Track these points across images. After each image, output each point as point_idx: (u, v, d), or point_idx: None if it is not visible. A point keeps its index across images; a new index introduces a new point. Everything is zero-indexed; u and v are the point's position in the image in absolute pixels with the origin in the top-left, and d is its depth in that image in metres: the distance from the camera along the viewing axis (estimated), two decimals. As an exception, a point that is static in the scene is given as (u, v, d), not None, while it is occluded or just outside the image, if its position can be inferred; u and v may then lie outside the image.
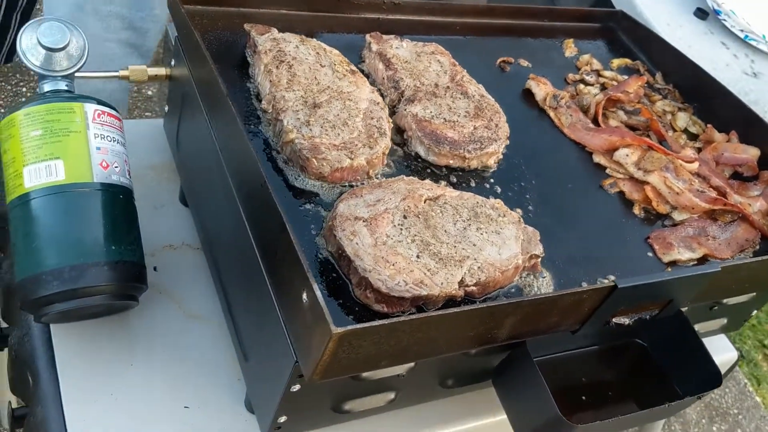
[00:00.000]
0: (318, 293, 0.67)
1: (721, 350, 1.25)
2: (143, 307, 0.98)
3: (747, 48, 1.90)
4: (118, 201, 0.91)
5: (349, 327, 0.66)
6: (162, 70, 1.11)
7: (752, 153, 1.19)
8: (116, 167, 0.92)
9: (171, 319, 1.00)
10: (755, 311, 1.20)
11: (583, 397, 0.97)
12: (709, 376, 0.95)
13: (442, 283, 0.81)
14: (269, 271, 0.79)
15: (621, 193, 1.08)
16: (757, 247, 1.07)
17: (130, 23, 1.70)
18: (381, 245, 0.82)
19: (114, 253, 0.87)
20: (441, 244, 0.85)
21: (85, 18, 1.63)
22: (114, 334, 0.96)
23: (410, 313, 0.80)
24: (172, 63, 1.09)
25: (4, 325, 1.06)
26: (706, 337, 1.18)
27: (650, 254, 1.01)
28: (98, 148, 0.91)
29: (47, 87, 0.95)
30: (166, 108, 1.15)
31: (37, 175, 0.87)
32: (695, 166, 1.11)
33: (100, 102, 0.94)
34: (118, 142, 0.94)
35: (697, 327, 1.11)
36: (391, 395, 0.90)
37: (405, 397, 0.92)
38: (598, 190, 1.08)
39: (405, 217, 0.86)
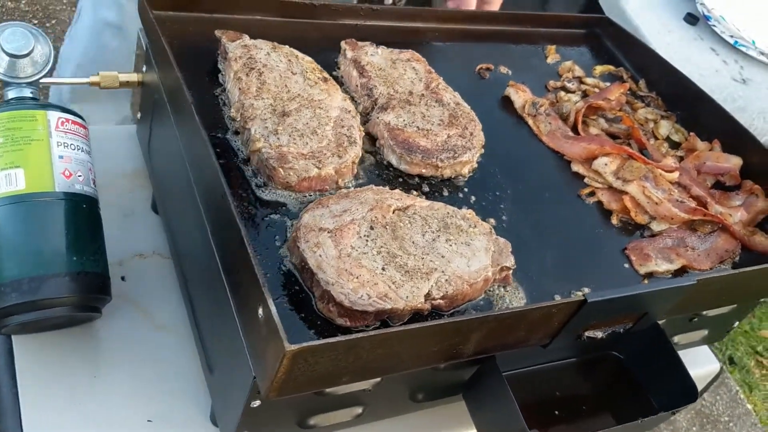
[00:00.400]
0: (272, 308, 0.65)
1: (703, 362, 1.23)
2: (110, 317, 0.96)
3: (737, 54, 1.88)
4: (81, 210, 0.89)
5: (304, 344, 0.64)
6: (134, 76, 1.09)
7: (734, 162, 1.17)
8: (80, 176, 0.90)
9: (138, 329, 0.99)
10: (737, 323, 1.18)
11: (557, 412, 0.95)
12: (685, 390, 0.93)
13: (407, 297, 0.79)
14: (230, 284, 0.77)
15: (599, 202, 1.07)
16: (737, 258, 1.06)
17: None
18: (345, 257, 0.80)
19: (75, 264, 0.85)
20: (408, 256, 0.83)
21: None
22: (78, 345, 0.94)
23: (372, 329, 0.78)
24: (144, 69, 1.07)
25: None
26: (687, 348, 1.17)
27: (627, 266, 0.99)
28: (61, 157, 0.89)
29: (11, 94, 0.94)
30: (139, 115, 1.14)
31: (-4, 183, 0.85)
32: (675, 175, 1.09)
33: (64, 109, 0.92)
34: (82, 150, 0.92)
35: (676, 338, 1.10)
36: (359, 410, 0.88)
37: (373, 411, 0.90)
38: (575, 199, 1.07)
39: (372, 228, 0.84)
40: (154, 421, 0.90)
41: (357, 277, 0.78)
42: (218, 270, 0.80)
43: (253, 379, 0.73)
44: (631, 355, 1.00)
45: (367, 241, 0.82)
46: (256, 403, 0.77)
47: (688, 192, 1.10)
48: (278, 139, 0.89)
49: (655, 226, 1.04)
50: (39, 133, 0.88)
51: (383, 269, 0.80)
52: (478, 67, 1.23)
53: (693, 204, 1.06)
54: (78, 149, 0.91)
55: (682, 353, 0.98)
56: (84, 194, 0.90)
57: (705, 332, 1.13)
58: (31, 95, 0.95)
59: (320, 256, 0.79)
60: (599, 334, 0.89)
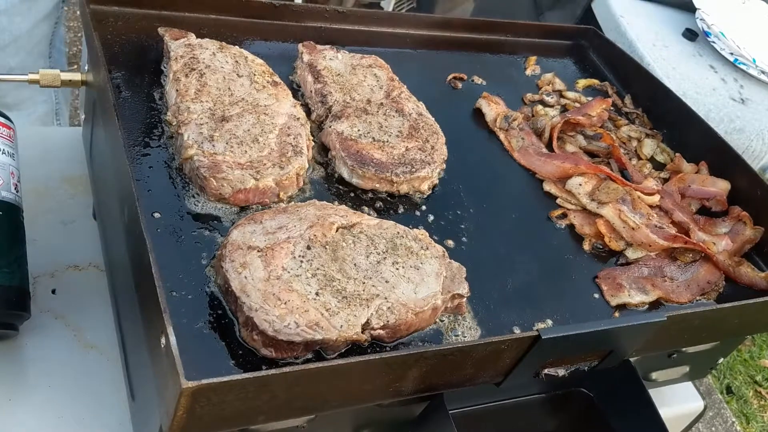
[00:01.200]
0: (172, 338, 0.58)
1: (685, 399, 1.14)
2: (34, 333, 0.89)
3: (736, 72, 1.79)
4: (-2, 218, 0.82)
5: (204, 381, 0.56)
6: (77, 75, 1.02)
7: (722, 186, 1.08)
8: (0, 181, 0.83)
9: (64, 348, 0.91)
10: (722, 359, 1.09)
11: (514, 455, 0.87)
12: (655, 435, 0.84)
13: (341, 326, 0.71)
14: (141, 308, 0.69)
15: (570, 226, 0.98)
16: (721, 290, 0.97)
17: None
18: (274, 280, 0.72)
19: (-16, 277, 0.78)
20: (347, 280, 0.75)
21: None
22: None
23: (301, 361, 0.70)
24: (86, 68, 1.00)
25: None
26: (668, 385, 1.08)
27: (597, 296, 0.91)
28: (-24, 159, 0.82)
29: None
30: (82, 116, 1.06)
31: None
32: (656, 199, 1.01)
33: (-15, 109, 0.85)
34: (6, 154, 0.85)
35: (654, 375, 1.02)
36: (294, 448, 0.80)
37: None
38: (545, 221, 0.98)
39: (309, 247, 0.76)
40: (68, 452, 0.82)
41: (285, 303, 0.70)
42: (134, 295, 0.73)
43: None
44: (601, 392, 0.92)
45: (302, 262, 0.74)
46: (166, 438, 0.69)
47: (669, 217, 1.02)
48: (213, 146, 0.82)
49: (631, 254, 0.96)
50: (-47, 134, 0.81)
51: (317, 294, 0.72)
52: (450, 76, 1.15)
53: (674, 231, 0.98)
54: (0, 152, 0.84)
55: (663, 390, 0.90)
56: (2, 200, 0.82)
57: (686, 369, 1.05)
58: (-47, 92, 0.87)
59: (245, 277, 0.71)
60: (561, 372, 0.81)
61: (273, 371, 0.59)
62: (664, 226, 0.97)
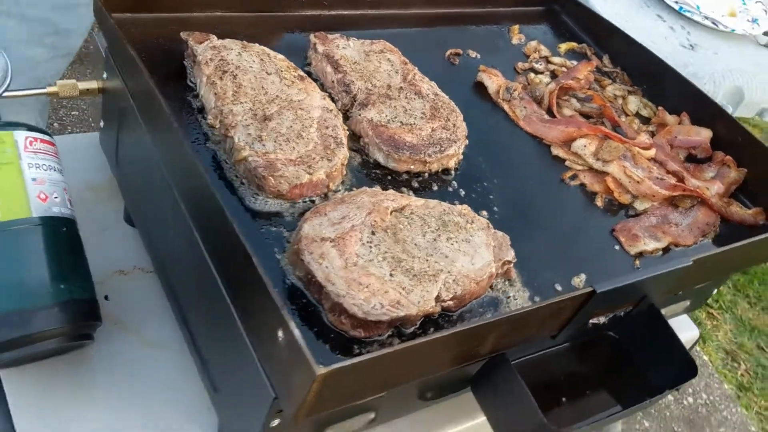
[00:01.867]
0: (296, 332, 0.63)
1: (685, 329, 1.26)
2: (98, 340, 0.92)
3: (683, 20, 1.91)
4: (61, 234, 0.84)
5: (334, 366, 0.62)
6: (93, 84, 1.04)
7: (705, 135, 1.19)
8: (56, 197, 0.85)
9: (129, 350, 0.94)
10: (715, 290, 1.21)
11: (563, 398, 0.96)
12: (684, 367, 0.95)
13: (418, 302, 0.77)
14: (236, 304, 0.74)
15: (582, 185, 1.07)
16: (718, 230, 1.08)
17: (50, 24, 1.59)
18: (352, 266, 0.78)
19: (63, 292, 0.81)
20: (413, 259, 0.81)
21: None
22: (71, 373, 0.90)
23: (386, 337, 0.76)
24: (105, 76, 1.02)
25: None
26: (670, 319, 1.19)
27: (617, 247, 1.00)
28: (34, 179, 0.84)
29: (-30, 114, 0.88)
30: (102, 123, 1.08)
31: (-32, 215, 0.80)
32: (652, 152, 1.10)
33: (30, 128, 0.87)
34: (55, 170, 0.87)
35: (663, 311, 1.12)
36: (371, 415, 0.87)
37: (384, 414, 0.89)
38: (559, 183, 1.07)
39: (373, 233, 0.82)
40: (158, 446, 0.87)
41: (367, 287, 0.76)
42: (218, 290, 0.77)
43: (272, 399, 0.71)
44: (628, 335, 1.01)
45: (370, 247, 0.80)
46: (275, 422, 0.75)
47: (665, 168, 1.11)
48: (263, 146, 0.86)
49: (639, 205, 1.06)
50: (7, 156, 0.83)
51: (391, 275, 0.78)
52: (448, 52, 1.21)
53: (673, 180, 1.07)
54: (50, 169, 0.86)
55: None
56: (62, 216, 0.85)
57: (687, 303, 1.16)
58: (-9, 115, 0.89)
59: (327, 267, 0.77)
60: (602, 320, 0.90)
61: (388, 350, 0.65)
62: (664, 177, 1.07)
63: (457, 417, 0.99)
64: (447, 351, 0.73)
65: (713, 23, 1.96)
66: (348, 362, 0.63)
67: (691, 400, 2.84)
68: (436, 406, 0.97)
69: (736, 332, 3.32)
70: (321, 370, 0.61)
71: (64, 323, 0.81)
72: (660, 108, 1.24)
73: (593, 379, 1.00)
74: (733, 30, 1.98)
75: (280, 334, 0.65)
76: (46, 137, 0.88)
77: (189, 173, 0.77)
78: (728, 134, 1.18)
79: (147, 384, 0.91)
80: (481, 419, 0.96)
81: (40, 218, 0.82)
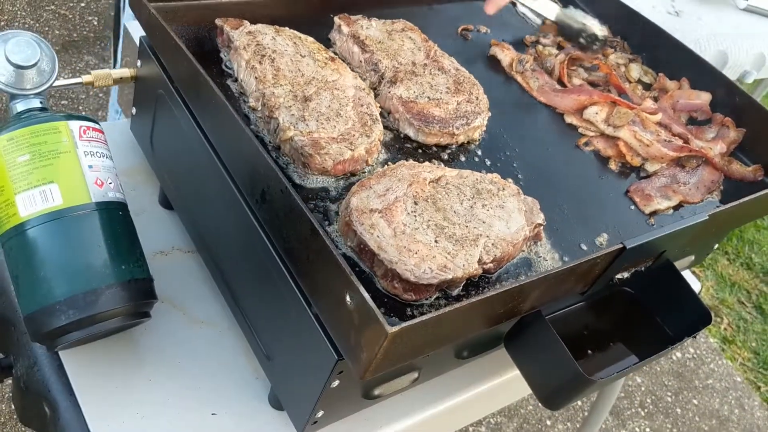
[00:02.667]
0: (366, 295, 0.68)
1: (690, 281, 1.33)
2: (149, 319, 0.97)
3: (666, -13, 1.98)
4: (118, 218, 0.88)
5: (404, 324, 0.67)
6: (127, 72, 1.07)
7: (705, 98, 1.26)
8: (110, 183, 0.89)
9: (178, 327, 0.99)
10: (717, 245, 1.28)
11: (588, 350, 1.03)
12: (699, 314, 1.02)
13: (463, 265, 0.83)
14: (299, 274, 0.79)
15: (596, 150, 1.13)
16: (721, 187, 1.15)
17: None
18: (400, 234, 0.83)
19: (125, 273, 0.85)
20: (454, 226, 0.87)
21: None
22: (125, 351, 0.95)
23: (434, 299, 0.82)
24: (139, 64, 1.05)
25: (0, 355, 1.02)
26: (676, 273, 1.27)
27: (632, 207, 1.06)
28: (90, 167, 0.87)
29: (20, 107, 0.91)
30: (134, 110, 1.11)
31: (32, 202, 0.83)
32: (659, 117, 1.17)
33: (82, 117, 0.90)
34: (107, 157, 0.91)
35: (673, 266, 1.19)
36: (415, 374, 0.93)
37: (426, 373, 0.95)
38: (574, 149, 1.13)
39: (416, 203, 0.87)
40: (218, 414, 0.92)
41: (416, 253, 0.82)
42: (274, 262, 0.82)
43: (336, 361, 0.77)
44: (644, 289, 1.08)
45: (415, 216, 0.86)
46: (335, 383, 0.80)
47: (670, 131, 1.18)
48: (307, 125, 0.91)
49: (649, 167, 1.12)
50: (65, 145, 0.86)
51: (436, 241, 0.84)
52: (460, 28, 1.26)
53: (679, 142, 1.14)
54: (103, 156, 0.90)
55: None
56: (117, 201, 0.89)
57: (692, 257, 1.23)
58: (40, 105, 0.92)
59: (378, 237, 0.82)
60: (626, 275, 0.96)
61: (449, 308, 0.71)
62: (671, 140, 1.14)
63: (485, 374, 1.06)
64: (497, 308, 0.79)
65: (696, -11, 2.03)
66: (417, 320, 0.69)
67: (679, 354, 2.95)
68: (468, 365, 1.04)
69: (717, 288, 3.45)
70: (392, 328, 0.67)
71: (128, 302, 0.85)
72: (660, 74, 1.30)
73: (614, 332, 1.07)
74: (715, -5, 2.05)
75: (348, 299, 0.70)
76: (96, 125, 0.91)
77: (249, 157, 0.82)
78: (726, 96, 1.25)
79: (197, 358, 0.96)
80: (506, 377, 1.03)
81: (99, 203, 0.86)
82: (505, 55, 1.21)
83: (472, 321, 0.79)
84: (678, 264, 1.20)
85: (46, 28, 3.32)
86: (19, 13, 3.33)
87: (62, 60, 2.93)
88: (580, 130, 1.15)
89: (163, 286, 1.02)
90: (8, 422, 2.03)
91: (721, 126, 1.23)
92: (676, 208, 1.09)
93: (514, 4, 1.34)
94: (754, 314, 3.37)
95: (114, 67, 1.65)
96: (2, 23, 3.23)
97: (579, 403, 2.66)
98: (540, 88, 1.18)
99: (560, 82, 1.21)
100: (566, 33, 1.31)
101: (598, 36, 1.30)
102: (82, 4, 3.56)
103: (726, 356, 3.13)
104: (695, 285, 1.36)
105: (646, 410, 2.76)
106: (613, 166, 1.12)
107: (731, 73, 2.00)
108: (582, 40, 1.30)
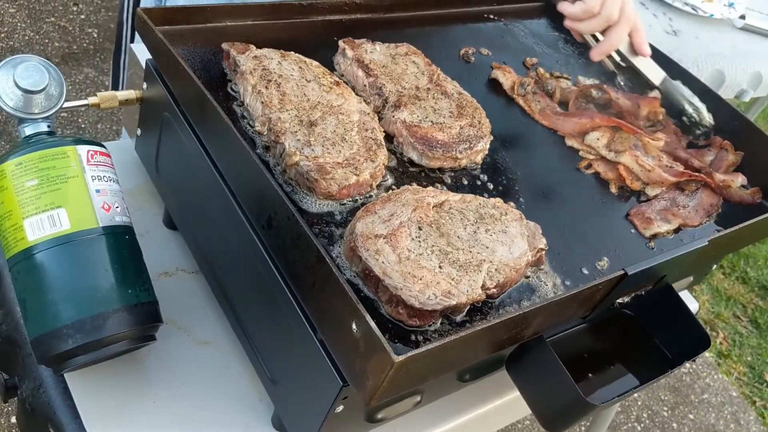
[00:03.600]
0: (372, 324, 0.69)
1: (688, 301, 1.34)
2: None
3: (664, 6, 1.99)
4: (125, 242, 0.89)
5: (410, 353, 0.68)
6: (132, 94, 1.08)
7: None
8: (117, 207, 0.90)
9: (182, 348, 1.00)
10: (714, 266, 1.29)
11: (589, 373, 1.04)
12: (698, 339, 1.03)
13: (467, 291, 0.84)
14: (304, 300, 0.80)
15: (596, 173, 1.14)
16: (719, 210, 1.16)
17: None
18: (405, 260, 0.84)
19: (131, 297, 0.86)
20: (458, 251, 0.88)
21: None
22: (130, 373, 0.95)
23: (438, 325, 0.83)
24: (144, 87, 1.06)
25: (5, 375, 1.02)
26: (675, 294, 1.28)
27: (632, 230, 1.07)
28: (98, 191, 0.88)
29: (29, 131, 0.92)
30: (139, 131, 1.12)
31: (40, 226, 0.84)
32: (662, 143, 1.18)
33: (89, 141, 0.91)
34: (114, 181, 0.92)
35: (671, 288, 1.20)
36: (418, 398, 0.94)
37: (428, 397, 0.96)
38: (575, 172, 1.14)
39: (420, 228, 0.88)
40: (222, 436, 0.93)
41: (420, 279, 0.83)
42: (280, 287, 0.83)
43: (340, 387, 0.77)
44: (644, 312, 1.09)
45: (419, 241, 0.87)
46: (340, 408, 0.81)
47: (672, 155, 1.19)
48: (312, 150, 0.92)
49: (650, 191, 1.13)
50: (73, 170, 0.87)
51: (440, 267, 0.85)
52: (462, 51, 1.27)
53: (681, 168, 1.15)
54: (110, 180, 0.91)
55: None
56: (124, 225, 0.90)
57: (691, 279, 1.24)
58: (48, 129, 0.93)
59: (383, 262, 0.83)
60: (626, 299, 0.97)
61: (454, 336, 0.72)
62: (672, 165, 1.15)
63: (485, 396, 1.07)
64: (501, 334, 0.80)
65: (693, 9, 2.05)
66: (423, 349, 0.69)
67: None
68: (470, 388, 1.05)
69: (713, 302, 3.46)
70: (399, 357, 0.68)
71: (134, 325, 0.86)
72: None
73: (614, 353, 1.08)
74: (712, 15, 2.07)
75: (354, 326, 0.71)
76: (103, 149, 0.92)
77: (256, 182, 0.83)
78: (728, 120, 1.26)
79: (201, 379, 0.97)
80: (507, 398, 1.04)
81: (105, 228, 0.87)
82: (507, 78, 1.22)
83: (477, 348, 0.80)
84: (677, 285, 1.21)
85: (46, 40, 3.33)
86: (19, 24, 3.35)
87: (62, 72, 2.94)
88: (581, 153, 1.16)
89: (167, 306, 1.03)
90: (6, 436, 2.03)
91: (719, 149, 1.24)
92: (676, 231, 1.10)
93: (619, 53, 1.35)
94: (749, 328, 3.39)
95: (115, 82, 1.66)
96: (2, 35, 3.24)
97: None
98: (542, 111, 1.19)
99: (561, 104, 1.22)
100: (668, 104, 1.30)
101: (707, 126, 1.29)
102: (82, 17, 3.57)
103: (722, 371, 3.14)
104: (693, 305, 1.37)
105: (642, 425, 2.77)
106: (613, 189, 1.13)
107: (728, 92, 2.02)
108: (686, 119, 1.29)
